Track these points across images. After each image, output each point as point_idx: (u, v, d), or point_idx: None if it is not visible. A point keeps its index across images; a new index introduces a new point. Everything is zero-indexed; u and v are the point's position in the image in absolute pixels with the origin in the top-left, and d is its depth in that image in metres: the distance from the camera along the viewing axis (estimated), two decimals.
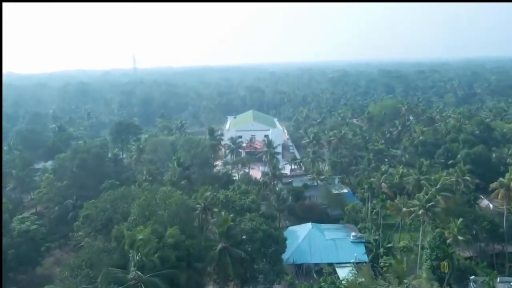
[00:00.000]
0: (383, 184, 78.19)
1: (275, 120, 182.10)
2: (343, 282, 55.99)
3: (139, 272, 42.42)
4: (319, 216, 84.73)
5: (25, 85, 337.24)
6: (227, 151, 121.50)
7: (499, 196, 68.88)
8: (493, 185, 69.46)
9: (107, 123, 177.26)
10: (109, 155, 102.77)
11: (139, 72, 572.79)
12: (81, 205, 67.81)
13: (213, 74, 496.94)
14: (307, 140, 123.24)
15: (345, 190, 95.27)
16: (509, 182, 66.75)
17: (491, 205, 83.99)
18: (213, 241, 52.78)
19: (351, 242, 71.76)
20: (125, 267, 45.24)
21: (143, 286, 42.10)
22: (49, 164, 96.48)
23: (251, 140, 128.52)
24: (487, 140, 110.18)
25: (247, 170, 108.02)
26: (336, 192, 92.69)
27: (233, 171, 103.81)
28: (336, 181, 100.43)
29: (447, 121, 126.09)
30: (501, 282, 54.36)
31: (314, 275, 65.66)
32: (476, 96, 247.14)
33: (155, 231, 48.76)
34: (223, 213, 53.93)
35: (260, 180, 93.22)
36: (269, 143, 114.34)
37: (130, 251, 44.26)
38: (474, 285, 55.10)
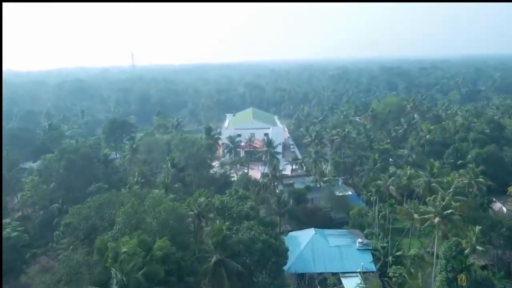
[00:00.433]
0: (391, 187, 73.01)
1: (276, 118, 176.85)
2: None
3: None
4: (322, 220, 79.86)
5: (21, 83, 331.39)
6: (225, 151, 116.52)
7: None
8: (511, 189, 64.27)
9: (103, 121, 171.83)
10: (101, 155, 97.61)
11: (138, 70, 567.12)
12: (68, 209, 62.76)
13: (212, 71, 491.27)
14: (309, 139, 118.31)
15: (350, 192, 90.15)
16: None
17: (504, 209, 78.95)
18: (207, 252, 47.70)
19: (357, 249, 66.90)
20: (107, 284, 40.34)
21: None
22: (36, 164, 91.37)
23: (250, 139, 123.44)
24: (498, 139, 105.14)
25: (246, 171, 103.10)
26: (340, 194, 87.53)
27: (232, 171, 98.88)
28: (340, 182, 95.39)
29: (455, 119, 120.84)
30: None
31: (318, 286, 60.92)
32: (481, 93, 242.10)
33: (142, 242, 43.71)
34: (218, 221, 48.75)
35: (260, 181, 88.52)
36: (269, 142, 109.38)
37: (112, 267, 39.18)
38: None
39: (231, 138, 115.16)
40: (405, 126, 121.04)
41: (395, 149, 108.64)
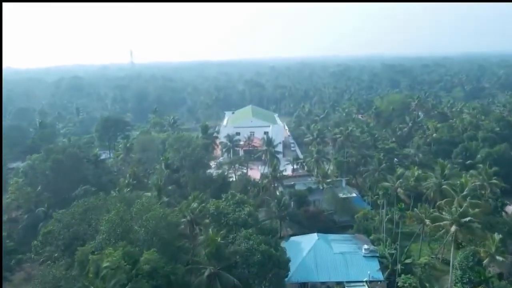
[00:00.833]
0: (399, 189, 68.48)
1: (276, 115, 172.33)
2: None
3: None
4: (324, 224, 75.56)
5: (17, 80, 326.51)
6: (224, 150, 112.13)
7: None
8: None
9: (99, 118, 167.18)
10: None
11: (137, 67, 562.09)
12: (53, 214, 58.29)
13: (212, 68, 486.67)
14: (310, 138, 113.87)
15: (354, 194, 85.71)
16: None
17: None
18: (200, 263, 43.24)
19: (363, 256, 62.28)
20: None
21: None
22: (23, 165, 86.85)
23: (250, 137, 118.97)
24: (508, 138, 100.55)
25: (245, 171, 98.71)
26: (344, 196, 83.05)
27: (230, 171, 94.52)
28: (343, 183, 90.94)
29: (463, 117, 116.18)
30: None
31: None
32: (485, 90, 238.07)
33: (127, 254, 39.27)
34: (210, 230, 44.23)
35: (259, 182, 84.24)
36: (269, 141, 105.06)
37: (92, 285, 34.76)
38: None
39: (229, 137, 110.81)
40: (410, 124, 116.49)
41: (400, 148, 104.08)
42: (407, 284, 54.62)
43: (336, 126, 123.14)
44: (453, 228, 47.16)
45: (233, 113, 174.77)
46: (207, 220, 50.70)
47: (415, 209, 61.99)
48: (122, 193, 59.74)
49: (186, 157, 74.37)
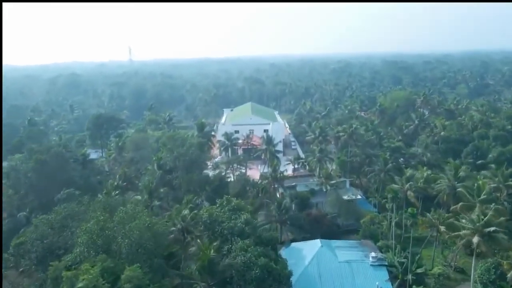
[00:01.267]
0: (409, 192, 63.59)
1: (276, 113, 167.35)
2: None
3: None
4: (328, 228, 70.86)
5: (14, 77, 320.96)
6: (222, 149, 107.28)
7: None
8: None
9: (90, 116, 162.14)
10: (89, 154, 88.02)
11: (136, 64, 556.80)
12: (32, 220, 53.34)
13: (212, 66, 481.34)
14: (312, 136, 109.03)
15: (359, 196, 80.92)
16: None
17: None
18: (191, 279, 38.42)
19: (371, 265, 57.47)
20: None
21: None
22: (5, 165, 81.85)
23: (249, 135, 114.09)
24: None
25: (243, 171, 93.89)
26: (348, 198, 78.18)
27: (228, 171, 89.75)
28: (347, 184, 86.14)
29: (472, 114, 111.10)
30: None
31: None
32: (489, 87, 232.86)
33: (107, 270, 34.51)
34: (200, 241, 39.32)
35: (258, 183, 79.52)
36: (269, 140, 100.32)
37: None
38: None
39: (227, 135, 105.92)
40: (416, 122, 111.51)
41: (406, 147, 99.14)
42: None
43: (339, 124, 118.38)
44: (475, 239, 42.24)
45: (232, 110, 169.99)
46: (200, 228, 45.98)
47: (428, 214, 57.03)
48: (109, 197, 54.79)
49: (180, 157, 69.42)
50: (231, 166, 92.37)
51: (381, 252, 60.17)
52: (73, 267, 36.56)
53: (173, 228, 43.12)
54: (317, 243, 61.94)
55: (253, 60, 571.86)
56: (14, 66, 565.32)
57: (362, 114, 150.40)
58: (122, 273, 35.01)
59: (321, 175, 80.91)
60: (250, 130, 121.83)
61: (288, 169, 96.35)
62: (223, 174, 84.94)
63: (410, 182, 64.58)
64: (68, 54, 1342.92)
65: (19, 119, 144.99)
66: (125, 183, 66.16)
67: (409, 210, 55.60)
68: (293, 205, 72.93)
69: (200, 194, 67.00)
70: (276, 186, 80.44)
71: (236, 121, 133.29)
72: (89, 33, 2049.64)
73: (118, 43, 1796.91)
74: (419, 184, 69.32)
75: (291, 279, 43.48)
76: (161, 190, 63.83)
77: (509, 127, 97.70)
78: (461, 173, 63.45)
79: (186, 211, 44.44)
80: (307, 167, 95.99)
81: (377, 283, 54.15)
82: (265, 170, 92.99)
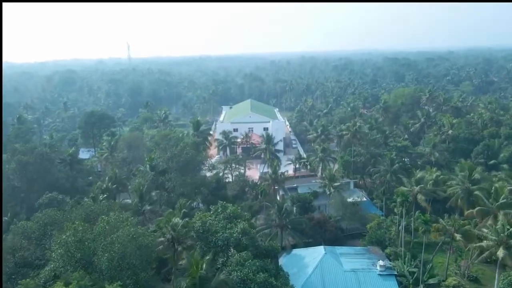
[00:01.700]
0: (419, 195, 59.14)
1: (276, 110, 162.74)
2: None
3: None
4: (331, 233, 66.63)
5: (9, 74, 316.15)
6: (220, 148, 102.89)
7: None
8: None
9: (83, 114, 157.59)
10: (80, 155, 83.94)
11: (134, 61, 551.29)
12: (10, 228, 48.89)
13: (211, 63, 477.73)
14: (314, 135, 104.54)
15: (364, 199, 76.54)
16: None
17: None
18: None
19: (379, 274, 53.04)
20: None
21: None
22: None
23: (248, 134, 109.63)
24: None
25: (242, 171, 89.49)
26: (353, 200, 73.78)
27: (226, 171, 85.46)
28: (352, 185, 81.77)
29: (480, 111, 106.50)
30: None
31: None
32: (494, 84, 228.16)
33: None
34: (189, 254, 34.87)
35: (258, 184, 75.29)
36: (268, 138, 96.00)
37: None
38: None
39: (225, 134, 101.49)
40: (422, 120, 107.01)
41: (412, 146, 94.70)
42: None
43: (342, 122, 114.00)
44: (501, 253, 37.86)
45: (230, 107, 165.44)
46: (193, 236, 41.53)
47: (441, 220, 52.57)
48: (95, 201, 50.35)
49: (174, 157, 64.96)
50: (229, 166, 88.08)
51: (390, 260, 55.89)
52: (47, 284, 32.26)
53: (162, 239, 38.67)
54: (320, 249, 57.64)
55: (252, 58, 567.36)
56: (10, 63, 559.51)
57: (365, 111, 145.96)
58: None
59: (324, 176, 76.56)
60: (249, 128, 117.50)
61: (289, 169, 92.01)
62: (220, 174, 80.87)
63: (421, 185, 60.02)
64: (67, 52, 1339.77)
65: (10, 117, 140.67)
66: (114, 186, 61.68)
67: (421, 216, 51.06)
68: (295, 208, 68.61)
69: (195, 197, 62.56)
70: (276, 188, 76.23)
71: (235, 119, 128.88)
72: (89, 30, 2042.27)
73: (118, 40, 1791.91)
74: (428, 186, 65.06)
75: None
76: (153, 193, 59.55)
77: None
78: (476, 175, 58.86)
79: (177, 219, 39.96)
80: (309, 167, 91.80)
81: None
82: (265, 170, 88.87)
